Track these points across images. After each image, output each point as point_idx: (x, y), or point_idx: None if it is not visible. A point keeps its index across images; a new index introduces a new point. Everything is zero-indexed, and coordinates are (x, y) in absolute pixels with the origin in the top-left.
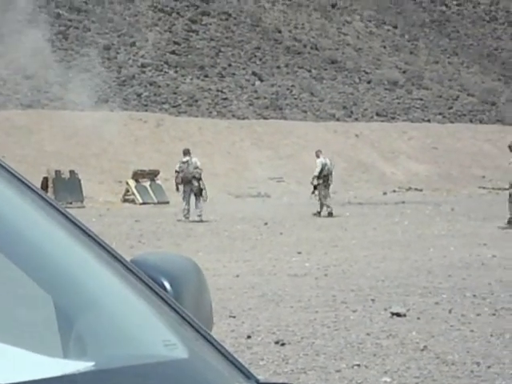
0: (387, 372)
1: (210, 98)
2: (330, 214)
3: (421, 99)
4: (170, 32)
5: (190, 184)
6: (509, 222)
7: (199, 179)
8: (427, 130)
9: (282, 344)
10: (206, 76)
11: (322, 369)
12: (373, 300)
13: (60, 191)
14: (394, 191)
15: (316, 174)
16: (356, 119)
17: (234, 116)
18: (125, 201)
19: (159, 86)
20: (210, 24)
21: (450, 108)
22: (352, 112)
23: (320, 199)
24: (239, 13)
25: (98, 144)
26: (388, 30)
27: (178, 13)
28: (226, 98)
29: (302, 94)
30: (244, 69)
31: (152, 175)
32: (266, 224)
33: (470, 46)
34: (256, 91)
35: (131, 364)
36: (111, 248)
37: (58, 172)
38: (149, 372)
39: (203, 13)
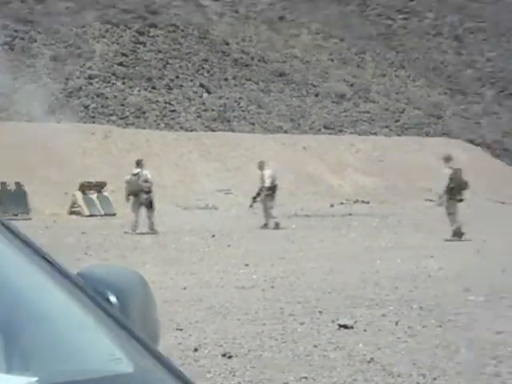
0: None
1: (157, 110)
2: (277, 226)
3: (368, 112)
4: (118, 44)
5: (139, 196)
6: (454, 234)
7: (148, 192)
8: (374, 143)
9: (229, 357)
10: (154, 88)
11: (269, 381)
12: (320, 312)
13: (6, 203)
14: (341, 203)
15: (268, 185)
16: (303, 132)
17: (181, 128)
18: (71, 213)
19: (107, 98)
20: (158, 36)
21: (397, 121)
22: (299, 124)
23: (265, 211)
24: (187, 25)
25: (44, 156)
26: (335, 43)
27: (125, 24)
28: (173, 110)
29: (250, 106)
30: (192, 81)
31: (99, 187)
32: (213, 236)
33: (416, 60)
34: (204, 103)
35: (75, 379)
36: (56, 261)
37: (3, 184)
38: None
39: (151, 25)
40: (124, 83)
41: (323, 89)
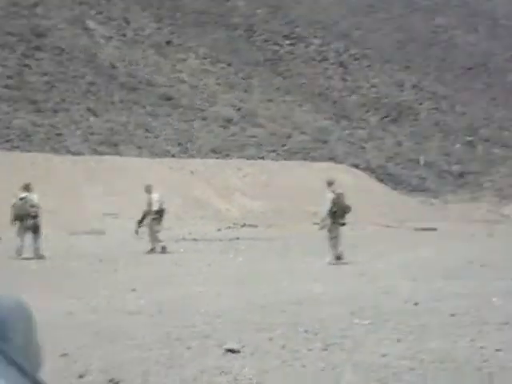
0: None
1: (43, 133)
2: (164, 250)
3: (255, 136)
4: (3, 66)
5: (24, 221)
6: (337, 258)
7: (34, 217)
8: (261, 167)
9: (116, 383)
10: (40, 111)
11: None
12: (207, 336)
13: None
14: (229, 227)
15: (156, 208)
16: (191, 156)
17: (68, 151)
18: None
19: None
20: (43, 59)
21: (284, 145)
22: (187, 148)
23: (152, 236)
24: (73, 48)
25: None
26: (222, 68)
27: (10, 47)
28: (59, 134)
29: (137, 130)
30: (78, 104)
31: None
32: (100, 261)
33: (302, 85)
34: (90, 127)
35: None
36: None
37: None
38: None
39: (36, 47)
40: (9, 106)
41: (210, 113)
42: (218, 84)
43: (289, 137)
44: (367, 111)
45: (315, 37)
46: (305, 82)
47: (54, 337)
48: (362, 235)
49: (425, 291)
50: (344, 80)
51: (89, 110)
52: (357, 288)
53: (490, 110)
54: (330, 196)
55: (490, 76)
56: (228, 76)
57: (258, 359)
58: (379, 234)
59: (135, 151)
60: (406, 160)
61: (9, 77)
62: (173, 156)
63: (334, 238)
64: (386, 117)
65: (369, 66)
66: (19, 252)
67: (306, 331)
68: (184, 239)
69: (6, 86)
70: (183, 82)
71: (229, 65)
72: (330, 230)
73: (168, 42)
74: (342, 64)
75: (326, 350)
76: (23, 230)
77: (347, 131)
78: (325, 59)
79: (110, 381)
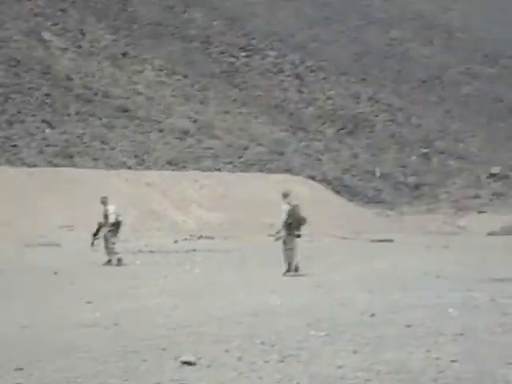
0: None
1: None
2: (120, 263)
3: (211, 148)
4: None
5: None
6: (294, 270)
7: None
8: (218, 179)
9: None
10: None
11: None
12: (163, 349)
13: None
14: (186, 239)
15: (112, 220)
16: (147, 167)
17: (23, 163)
18: None
19: None
20: None
21: (240, 157)
22: (143, 160)
23: (108, 248)
24: (29, 59)
25: None
26: (178, 80)
27: None
28: (15, 145)
29: (93, 141)
30: (34, 116)
31: None
32: (56, 273)
33: (258, 97)
34: (46, 138)
35: None
36: None
37: None
38: None
39: None
40: None
41: (167, 125)
42: (175, 96)
43: (245, 149)
44: (323, 123)
45: (271, 49)
46: (261, 94)
47: (9, 351)
48: (318, 247)
49: (381, 303)
50: (300, 92)
51: (44, 121)
52: (313, 300)
53: (445, 122)
54: (286, 208)
55: (445, 88)
56: (184, 88)
57: (214, 371)
58: (335, 245)
59: (91, 163)
60: (362, 172)
61: None
62: (129, 168)
63: (289, 250)
64: (342, 129)
65: (325, 78)
66: None
67: (262, 343)
68: (140, 251)
69: None
70: (139, 93)
71: (185, 76)
72: (285, 242)
73: (124, 54)
74: (298, 76)
75: (282, 361)
76: None
77: (303, 143)
78: (281, 71)
79: None
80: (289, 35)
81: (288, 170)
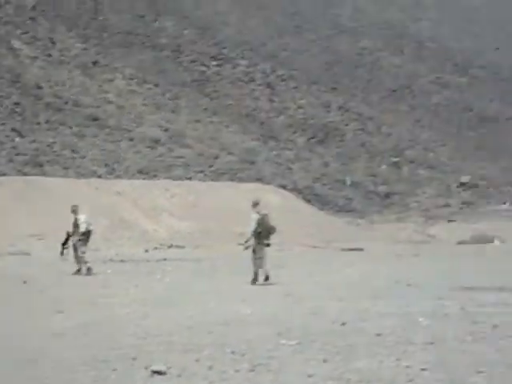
0: None
1: None
2: (90, 272)
3: (182, 157)
4: None
5: None
6: (266, 279)
7: None
8: (189, 188)
9: None
10: None
11: None
12: (134, 358)
13: None
14: (156, 248)
15: (83, 230)
16: (118, 176)
17: None
18: None
19: None
20: None
21: (211, 166)
22: (114, 169)
23: (77, 257)
24: None
25: None
26: (149, 89)
27: None
28: None
29: (63, 150)
30: (3, 124)
31: None
32: (25, 282)
33: (229, 106)
34: (16, 147)
35: None
36: None
37: None
38: None
39: None
40: None
41: (137, 134)
42: (145, 105)
43: (216, 157)
44: (294, 132)
45: (242, 58)
46: (232, 103)
47: None
48: (288, 256)
49: (352, 311)
50: (271, 101)
51: (14, 130)
52: (284, 309)
53: (415, 132)
54: (255, 217)
55: (415, 98)
56: (155, 96)
57: (185, 380)
58: (306, 254)
59: (61, 172)
60: (333, 181)
61: None
62: (99, 177)
63: (258, 259)
64: (312, 138)
65: (296, 87)
66: None
67: (233, 352)
68: (111, 260)
69: None
70: (110, 102)
71: (156, 85)
72: (254, 251)
73: (94, 63)
74: (269, 85)
75: (252, 370)
76: None
77: (274, 152)
78: (252, 80)
79: None
80: (260, 44)
81: (259, 179)
